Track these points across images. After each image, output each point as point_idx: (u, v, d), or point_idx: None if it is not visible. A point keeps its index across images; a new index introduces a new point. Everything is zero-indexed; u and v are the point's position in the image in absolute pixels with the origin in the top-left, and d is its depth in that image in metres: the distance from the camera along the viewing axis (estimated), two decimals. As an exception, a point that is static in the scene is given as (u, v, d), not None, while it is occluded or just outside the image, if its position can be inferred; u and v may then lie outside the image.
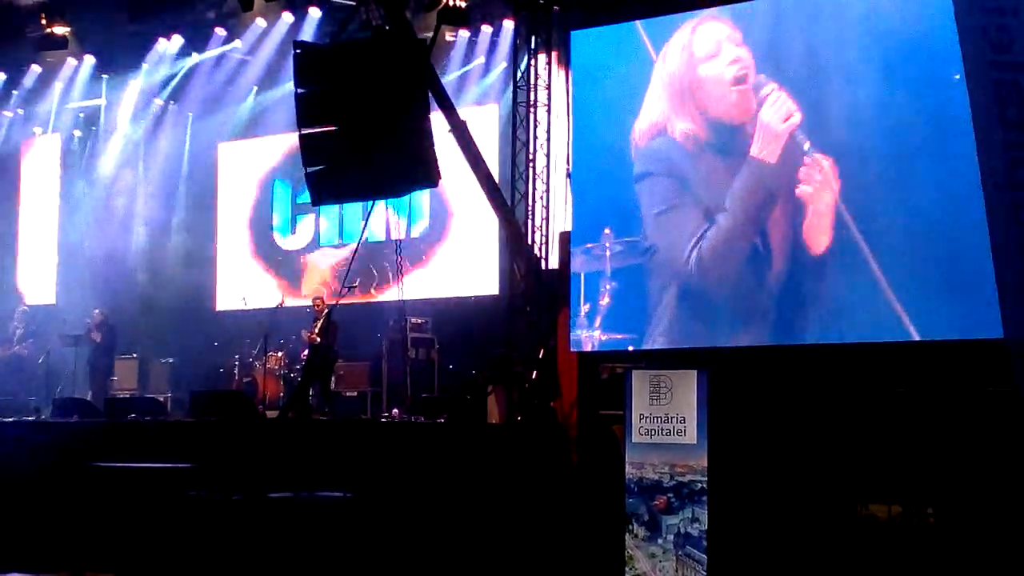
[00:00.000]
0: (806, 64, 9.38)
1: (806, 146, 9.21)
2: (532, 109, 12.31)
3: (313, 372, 12.66)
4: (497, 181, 12.02)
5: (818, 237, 9.19)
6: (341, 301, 12.49)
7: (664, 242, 9.91)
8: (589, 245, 10.27)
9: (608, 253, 10.20)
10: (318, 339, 12.47)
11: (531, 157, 12.24)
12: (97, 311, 14.57)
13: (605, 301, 10.26)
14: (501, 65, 13.89)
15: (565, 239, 11.22)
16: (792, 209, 9.32)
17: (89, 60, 15.77)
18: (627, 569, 7.77)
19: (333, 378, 13.29)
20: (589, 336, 10.22)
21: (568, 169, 12.04)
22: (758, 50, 9.59)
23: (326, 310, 12.62)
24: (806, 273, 9.26)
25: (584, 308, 10.32)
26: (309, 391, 12.75)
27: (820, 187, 9.16)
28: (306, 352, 13.01)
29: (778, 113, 9.39)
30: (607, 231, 10.29)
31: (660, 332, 9.94)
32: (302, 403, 12.50)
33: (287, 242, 16.14)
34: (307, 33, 14.14)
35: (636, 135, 10.10)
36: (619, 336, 10.18)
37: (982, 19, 4.99)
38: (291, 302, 14.02)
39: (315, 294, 13.25)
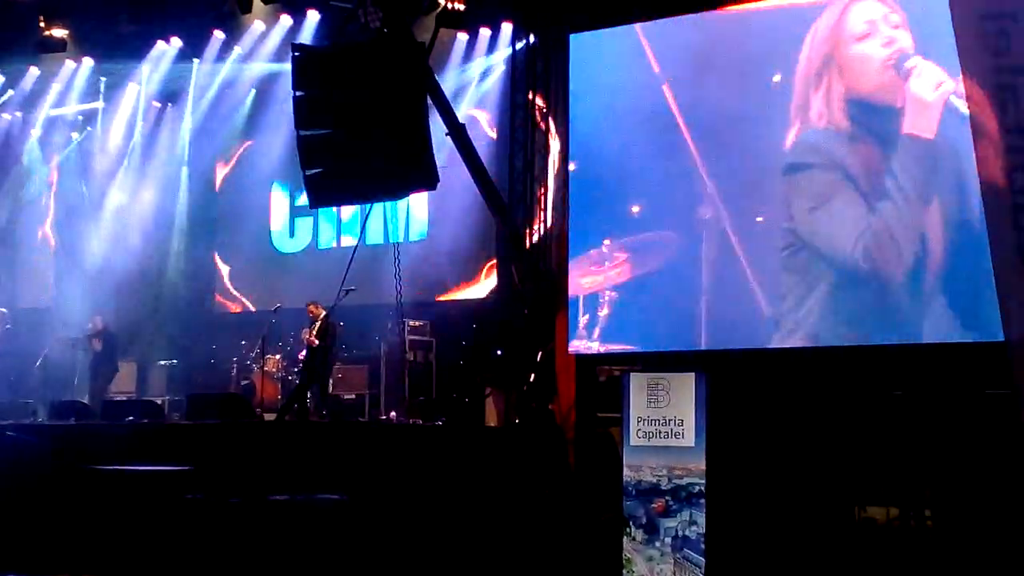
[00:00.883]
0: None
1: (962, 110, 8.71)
2: (530, 112, 12.31)
3: (311, 375, 12.66)
4: (495, 183, 12.02)
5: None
6: (338, 304, 12.47)
7: (823, 237, 9.55)
8: (591, 252, 10.29)
9: (607, 265, 10.09)
10: (316, 341, 12.46)
11: (529, 159, 12.24)
12: (96, 318, 14.54)
13: (604, 312, 10.21)
14: (499, 68, 13.88)
15: (563, 242, 11.24)
16: (958, 185, 8.81)
17: (88, 62, 15.75)
18: (624, 572, 7.77)
19: (331, 381, 13.28)
20: (587, 347, 10.19)
21: (566, 172, 12.02)
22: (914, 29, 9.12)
23: (322, 314, 12.64)
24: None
25: (583, 319, 10.27)
26: (307, 394, 12.74)
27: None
28: (303, 354, 13.01)
29: (928, 83, 8.93)
30: (607, 241, 10.18)
31: (803, 332, 9.56)
32: (300, 405, 12.49)
33: (285, 245, 16.13)
34: (305, 36, 14.13)
35: (790, 126, 9.72)
36: (618, 347, 10.12)
37: (980, 23, 4.98)
38: (289, 305, 14.00)
39: (309, 300, 13.27)
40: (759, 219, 9.98)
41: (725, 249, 10.01)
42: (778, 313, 9.67)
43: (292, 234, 16.06)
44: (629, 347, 10.11)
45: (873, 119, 9.32)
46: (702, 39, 10.24)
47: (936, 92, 8.93)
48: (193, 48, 15.35)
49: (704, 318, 9.97)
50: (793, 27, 9.82)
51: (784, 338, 9.61)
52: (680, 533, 7.66)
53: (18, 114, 17.09)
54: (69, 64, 15.78)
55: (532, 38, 12.39)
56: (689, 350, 9.90)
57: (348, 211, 15.10)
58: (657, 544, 7.72)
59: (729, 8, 10.24)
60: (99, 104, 16.66)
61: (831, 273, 9.51)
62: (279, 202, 16.16)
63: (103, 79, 16.16)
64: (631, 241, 10.56)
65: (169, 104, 16.58)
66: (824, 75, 9.53)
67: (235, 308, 15.77)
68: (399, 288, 12.22)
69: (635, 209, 10.53)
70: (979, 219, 8.35)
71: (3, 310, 15.16)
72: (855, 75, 9.45)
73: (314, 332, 12.54)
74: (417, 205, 14.69)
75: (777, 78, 9.85)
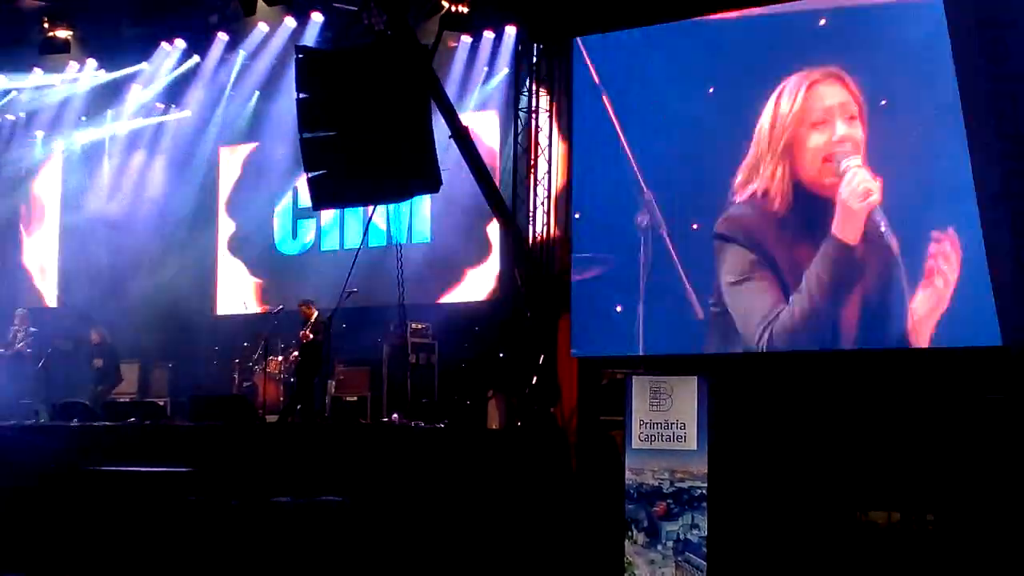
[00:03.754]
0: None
1: (883, 227, 8.98)
2: (534, 115, 12.31)
3: (308, 371, 12.68)
4: (498, 187, 12.03)
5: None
6: (341, 306, 12.50)
7: (737, 313, 9.79)
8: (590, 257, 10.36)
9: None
10: (310, 335, 12.54)
11: (532, 163, 12.25)
12: (93, 333, 14.50)
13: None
14: (503, 71, 13.89)
15: (566, 245, 11.24)
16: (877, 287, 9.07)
17: (91, 63, 15.77)
18: (626, 575, 7.77)
19: (333, 382, 13.28)
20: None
21: (570, 175, 12.04)
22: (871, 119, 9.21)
23: (314, 313, 12.70)
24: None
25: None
26: (310, 393, 12.77)
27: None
28: (295, 354, 13.04)
29: (857, 192, 9.17)
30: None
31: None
32: (307, 406, 12.51)
33: (288, 247, 16.15)
34: (309, 38, 14.12)
35: (732, 187, 9.88)
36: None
37: (978, 32, 5.01)
38: (291, 307, 14.00)
39: (301, 300, 13.31)
40: (695, 226, 10.18)
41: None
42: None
43: (295, 236, 16.08)
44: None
45: (808, 209, 9.50)
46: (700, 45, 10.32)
47: (862, 203, 9.13)
48: (197, 50, 15.37)
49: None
50: (761, 42, 9.90)
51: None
52: (682, 537, 7.66)
53: (22, 115, 17.11)
54: (73, 65, 15.79)
55: (536, 42, 12.40)
56: (692, 353, 9.91)
57: (352, 213, 15.12)
58: (659, 547, 7.72)
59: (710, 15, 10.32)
60: (102, 105, 16.67)
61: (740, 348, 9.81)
62: (282, 203, 16.18)
63: (106, 80, 16.18)
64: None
65: (172, 105, 16.60)
66: (777, 155, 9.70)
67: (237, 310, 15.76)
68: (401, 290, 12.25)
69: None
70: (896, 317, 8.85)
71: (23, 310, 15.12)
72: (803, 161, 9.62)
73: (308, 330, 12.62)
74: (420, 208, 14.70)
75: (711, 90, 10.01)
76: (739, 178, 9.82)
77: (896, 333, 9.03)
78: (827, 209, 9.36)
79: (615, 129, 10.59)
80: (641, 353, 10.15)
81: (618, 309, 10.32)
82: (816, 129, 9.50)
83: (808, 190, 9.52)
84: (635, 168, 10.44)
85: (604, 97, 10.62)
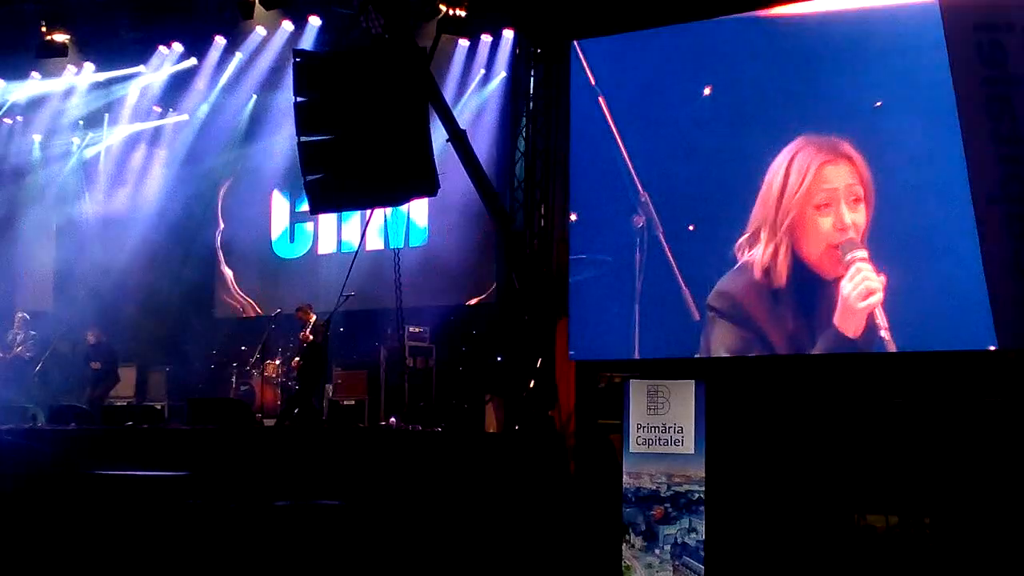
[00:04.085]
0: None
1: (883, 331, 8.92)
2: (531, 118, 12.32)
3: (310, 374, 12.69)
4: (496, 190, 12.02)
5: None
6: (338, 309, 12.50)
7: None
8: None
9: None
10: (311, 336, 12.56)
11: (530, 166, 12.26)
12: (89, 334, 14.49)
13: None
14: (501, 74, 13.90)
15: (563, 248, 11.24)
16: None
17: (89, 67, 15.76)
18: (624, 579, 7.77)
19: (330, 386, 13.28)
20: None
21: (567, 179, 12.04)
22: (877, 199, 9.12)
23: (312, 317, 12.70)
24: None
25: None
26: (311, 396, 12.77)
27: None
28: (298, 360, 13.04)
29: (860, 290, 9.12)
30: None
31: None
32: (308, 409, 12.51)
33: (285, 250, 16.14)
34: (307, 41, 14.13)
35: (734, 246, 9.85)
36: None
37: (974, 36, 5.01)
38: (289, 310, 14.00)
39: (299, 304, 13.31)
40: (691, 227, 10.15)
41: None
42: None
43: (292, 239, 16.08)
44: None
45: (809, 291, 9.43)
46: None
47: (863, 303, 9.06)
48: (194, 53, 15.36)
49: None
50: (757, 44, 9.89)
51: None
52: (679, 540, 7.67)
53: (19, 119, 17.10)
54: (70, 69, 15.78)
55: (534, 45, 12.41)
56: (689, 357, 9.91)
57: (349, 217, 15.12)
58: (656, 551, 7.73)
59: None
60: (99, 108, 16.67)
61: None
62: (280, 207, 16.18)
63: (104, 84, 16.17)
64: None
65: (170, 109, 16.60)
66: (781, 230, 9.65)
67: (235, 313, 15.76)
68: (399, 294, 12.24)
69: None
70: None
71: (24, 315, 15.11)
72: (806, 240, 9.57)
73: (308, 332, 12.63)
74: (417, 211, 14.70)
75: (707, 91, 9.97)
76: (742, 239, 9.79)
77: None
78: (829, 296, 9.29)
79: (612, 131, 10.60)
80: (637, 355, 10.15)
81: (614, 311, 10.32)
82: (819, 212, 9.45)
83: (811, 271, 9.48)
84: (631, 169, 10.44)
85: (600, 99, 10.63)
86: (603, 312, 10.39)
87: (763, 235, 9.64)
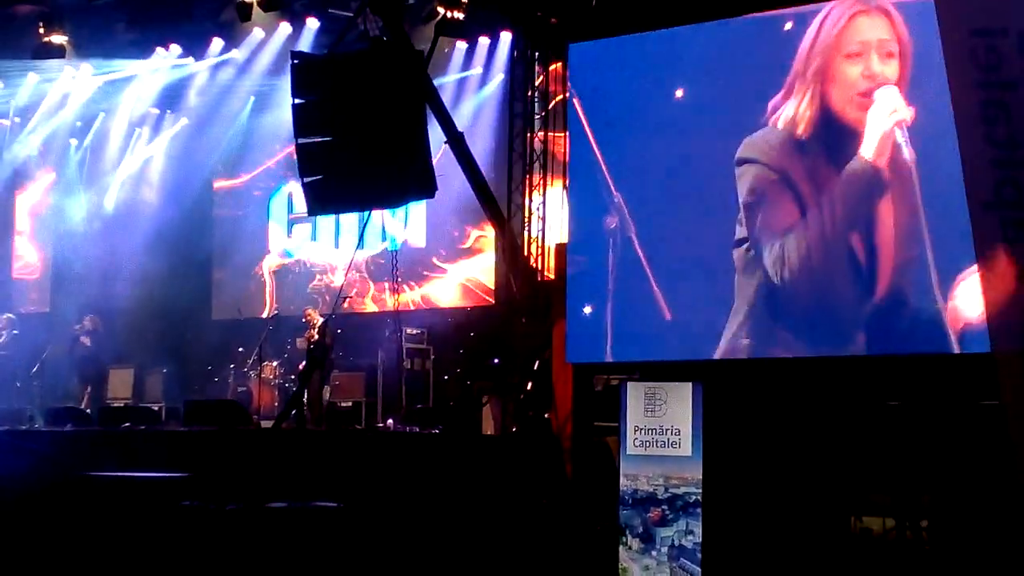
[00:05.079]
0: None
1: (905, 150, 8.71)
2: (529, 121, 12.35)
3: (311, 372, 12.71)
4: (494, 193, 12.04)
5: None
6: (336, 311, 12.53)
7: (754, 235, 9.48)
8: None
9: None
10: (316, 336, 12.58)
11: (528, 169, 12.28)
12: (86, 319, 14.52)
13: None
14: (498, 76, 13.92)
15: (561, 250, 11.24)
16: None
17: (87, 68, 15.77)
18: (621, 581, 7.78)
19: (328, 388, 13.29)
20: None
21: (565, 182, 12.07)
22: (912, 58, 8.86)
23: (318, 319, 12.71)
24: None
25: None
26: (304, 397, 12.77)
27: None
28: (303, 365, 13.04)
29: (884, 109, 8.87)
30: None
31: (742, 333, 9.50)
32: (298, 410, 12.51)
33: (283, 252, 16.15)
34: (305, 43, 14.16)
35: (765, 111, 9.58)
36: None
37: (969, 39, 5.00)
38: (286, 312, 14.01)
39: (305, 305, 13.32)
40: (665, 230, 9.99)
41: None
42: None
43: (289, 241, 16.09)
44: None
45: (834, 137, 9.23)
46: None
47: (889, 116, 8.88)
48: (192, 55, 15.38)
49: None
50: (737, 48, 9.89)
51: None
52: (676, 542, 7.67)
53: (16, 120, 17.11)
54: (68, 70, 15.79)
55: (531, 47, 12.44)
56: (687, 359, 9.91)
57: (347, 219, 15.13)
58: (653, 553, 7.73)
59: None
60: (96, 110, 16.68)
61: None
62: (277, 209, 16.19)
63: (101, 85, 16.18)
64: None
65: (168, 111, 16.61)
66: (808, 79, 9.54)
67: (232, 315, 15.76)
68: (396, 295, 12.26)
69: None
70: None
71: (10, 316, 15.13)
72: (833, 90, 9.34)
73: (314, 332, 12.65)
74: (415, 213, 14.72)
75: (680, 93, 9.91)
76: (773, 100, 9.54)
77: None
78: (854, 139, 9.06)
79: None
80: (610, 358, 10.08)
81: (587, 311, 10.26)
82: (850, 60, 9.18)
83: (836, 120, 9.23)
84: (604, 169, 10.41)
85: (575, 100, 10.60)
86: (577, 313, 10.34)
87: (796, 87, 9.43)
